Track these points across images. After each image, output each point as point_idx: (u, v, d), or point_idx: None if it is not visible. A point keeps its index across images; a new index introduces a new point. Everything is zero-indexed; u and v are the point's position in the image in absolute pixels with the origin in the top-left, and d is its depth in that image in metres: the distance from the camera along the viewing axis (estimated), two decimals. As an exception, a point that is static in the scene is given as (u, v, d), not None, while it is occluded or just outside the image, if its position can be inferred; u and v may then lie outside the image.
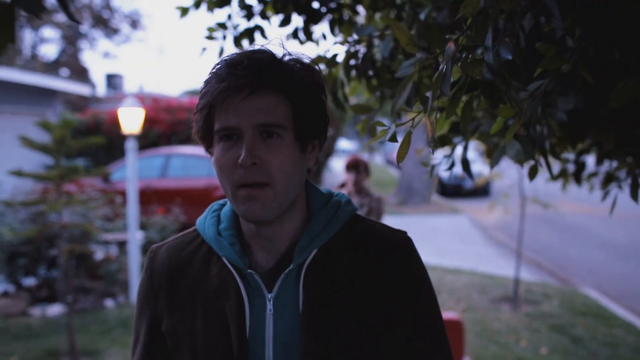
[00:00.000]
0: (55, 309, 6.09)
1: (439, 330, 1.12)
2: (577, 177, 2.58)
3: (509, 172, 6.45)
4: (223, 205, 1.17)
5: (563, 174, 2.76)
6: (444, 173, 15.54)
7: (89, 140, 4.59)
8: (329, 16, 2.15)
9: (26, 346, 5.02)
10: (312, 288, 1.05)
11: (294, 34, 2.15)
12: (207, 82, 1.03)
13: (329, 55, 1.95)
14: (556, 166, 2.90)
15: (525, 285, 7.23)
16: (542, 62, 1.16)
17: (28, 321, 5.70)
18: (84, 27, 26.95)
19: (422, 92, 1.43)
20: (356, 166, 4.31)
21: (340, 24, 2.13)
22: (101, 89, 26.99)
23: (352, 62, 1.91)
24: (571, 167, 2.72)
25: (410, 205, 15.50)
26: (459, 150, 1.77)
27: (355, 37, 1.95)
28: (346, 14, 2.17)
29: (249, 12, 2.10)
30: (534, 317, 5.96)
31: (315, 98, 1.06)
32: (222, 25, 2.12)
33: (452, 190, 17.66)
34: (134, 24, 28.62)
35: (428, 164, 1.73)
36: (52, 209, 4.28)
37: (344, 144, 38.50)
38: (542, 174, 2.17)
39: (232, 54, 1.04)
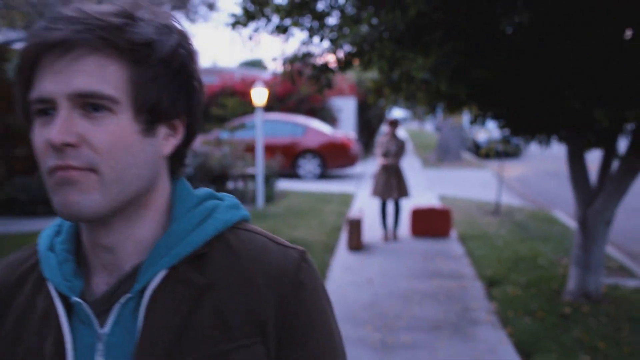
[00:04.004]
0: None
1: None
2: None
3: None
4: None
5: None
6: (480, 137, 19.28)
7: (245, 108, 8.42)
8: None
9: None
10: (154, 323, 0.76)
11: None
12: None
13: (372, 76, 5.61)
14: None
15: (510, 207, 10.75)
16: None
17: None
18: (167, 8, 30.83)
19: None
20: (393, 122, 8.09)
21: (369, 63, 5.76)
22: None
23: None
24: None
25: (446, 162, 19.28)
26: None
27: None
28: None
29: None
30: (505, 220, 9.53)
31: (169, 64, 0.76)
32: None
33: (486, 152, 21.11)
34: (210, 6, 32.49)
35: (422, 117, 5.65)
36: (232, 146, 8.17)
37: (397, 113, 41.54)
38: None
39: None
